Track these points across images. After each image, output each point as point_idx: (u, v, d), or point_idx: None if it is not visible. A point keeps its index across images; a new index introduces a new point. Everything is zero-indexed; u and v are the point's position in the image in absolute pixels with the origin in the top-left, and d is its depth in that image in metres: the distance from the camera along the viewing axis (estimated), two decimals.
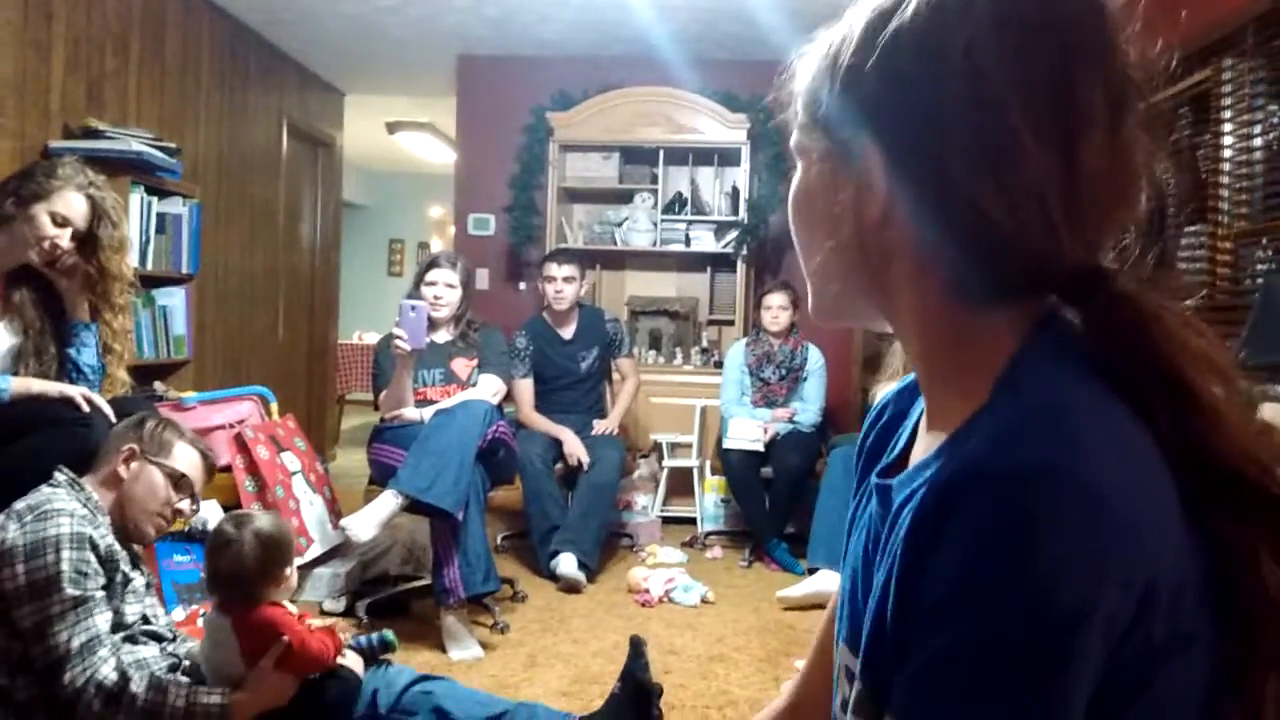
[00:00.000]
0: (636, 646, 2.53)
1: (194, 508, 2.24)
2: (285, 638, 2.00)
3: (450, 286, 3.80)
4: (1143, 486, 0.57)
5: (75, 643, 1.86)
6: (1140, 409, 0.61)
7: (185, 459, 2.20)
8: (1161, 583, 0.56)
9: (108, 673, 1.88)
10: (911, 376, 0.87)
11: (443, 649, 3.25)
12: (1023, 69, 0.62)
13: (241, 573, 2.02)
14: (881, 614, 0.66)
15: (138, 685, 1.88)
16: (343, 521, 3.26)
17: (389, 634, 2.39)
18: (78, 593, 1.88)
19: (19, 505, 1.96)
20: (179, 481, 2.18)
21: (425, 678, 2.26)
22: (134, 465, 2.14)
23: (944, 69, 0.62)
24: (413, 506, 3.28)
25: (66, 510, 1.94)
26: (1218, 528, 0.59)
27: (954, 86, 0.62)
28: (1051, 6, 0.63)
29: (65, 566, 1.88)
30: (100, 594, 1.95)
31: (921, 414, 0.80)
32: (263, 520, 2.10)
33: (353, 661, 2.21)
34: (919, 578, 0.60)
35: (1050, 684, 0.54)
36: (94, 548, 1.96)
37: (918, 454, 0.76)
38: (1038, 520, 0.54)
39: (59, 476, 2.08)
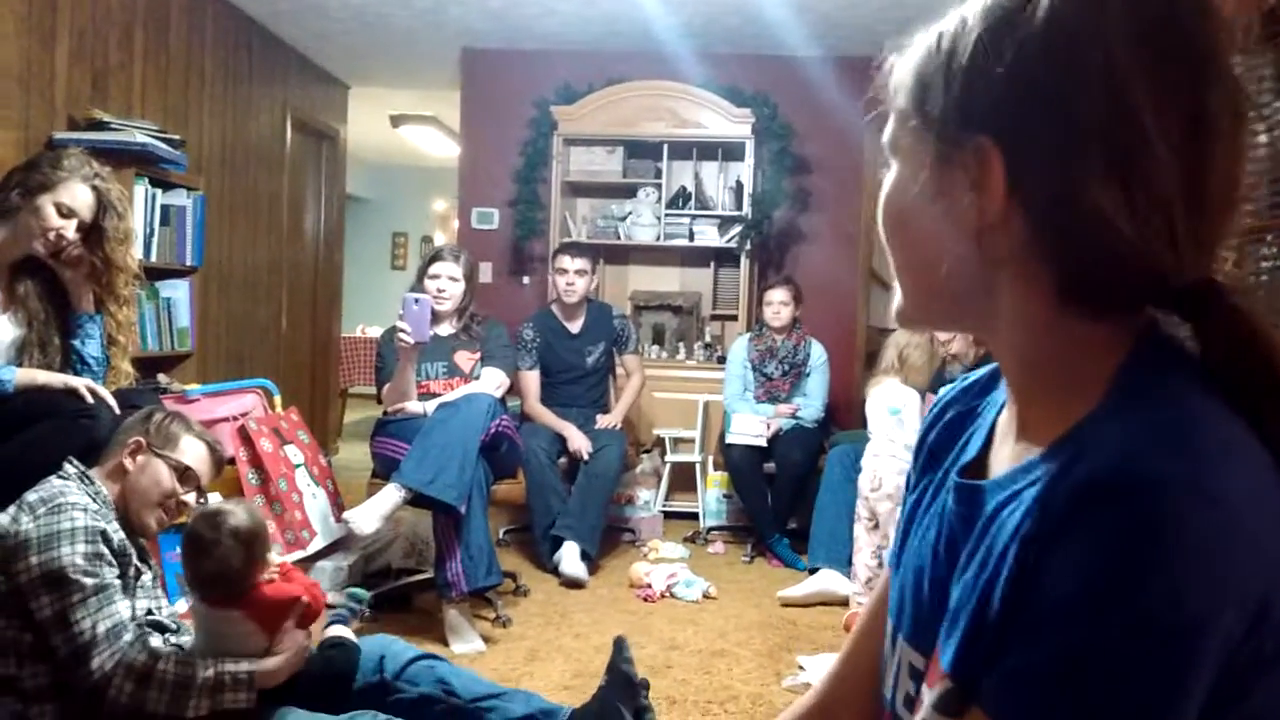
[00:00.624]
0: (620, 643, 2.55)
1: (200, 500, 2.22)
2: (302, 598, 2.05)
3: (454, 280, 3.80)
4: (1266, 500, 0.57)
5: (100, 628, 1.86)
6: (1254, 421, 0.61)
7: (192, 452, 2.19)
8: (1276, 596, 0.56)
9: (135, 654, 1.88)
10: (976, 373, 0.87)
11: (445, 642, 3.26)
12: (1160, 79, 0.61)
13: (228, 573, 2.00)
14: (980, 613, 0.65)
15: (166, 663, 1.89)
16: (346, 514, 3.27)
17: (357, 591, 2.42)
18: (95, 580, 1.88)
19: (30, 497, 1.96)
20: (184, 474, 2.17)
21: (429, 655, 2.28)
22: (140, 458, 2.13)
23: (1080, 76, 0.62)
24: (416, 500, 3.28)
25: (80, 504, 1.94)
26: None
27: (1090, 94, 0.62)
28: (1182, 17, 0.63)
29: (80, 559, 1.87)
30: (118, 582, 1.96)
31: (997, 416, 0.79)
32: (237, 516, 2.04)
33: (342, 630, 2.24)
34: (1033, 577, 0.60)
35: (1162, 697, 0.54)
36: (107, 541, 1.96)
37: (1003, 457, 0.75)
38: (1170, 532, 0.54)
39: (69, 469, 2.07)
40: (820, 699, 0.98)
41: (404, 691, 2.16)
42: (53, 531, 1.88)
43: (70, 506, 1.92)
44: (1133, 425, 0.60)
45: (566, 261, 4.62)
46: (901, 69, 0.73)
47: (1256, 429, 0.61)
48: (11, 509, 1.94)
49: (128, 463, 2.12)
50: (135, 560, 2.09)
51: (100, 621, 1.87)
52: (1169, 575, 0.53)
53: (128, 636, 1.90)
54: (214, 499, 2.31)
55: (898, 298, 0.77)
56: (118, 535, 2.01)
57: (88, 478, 2.08)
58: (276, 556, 2.15)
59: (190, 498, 2.19)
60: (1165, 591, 0.53)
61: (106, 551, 1.94)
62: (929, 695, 0.71)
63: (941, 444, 0.86)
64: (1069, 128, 0.62)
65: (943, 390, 0.90)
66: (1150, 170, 0.61)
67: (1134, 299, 0.66)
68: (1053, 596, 0.57)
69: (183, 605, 2.80)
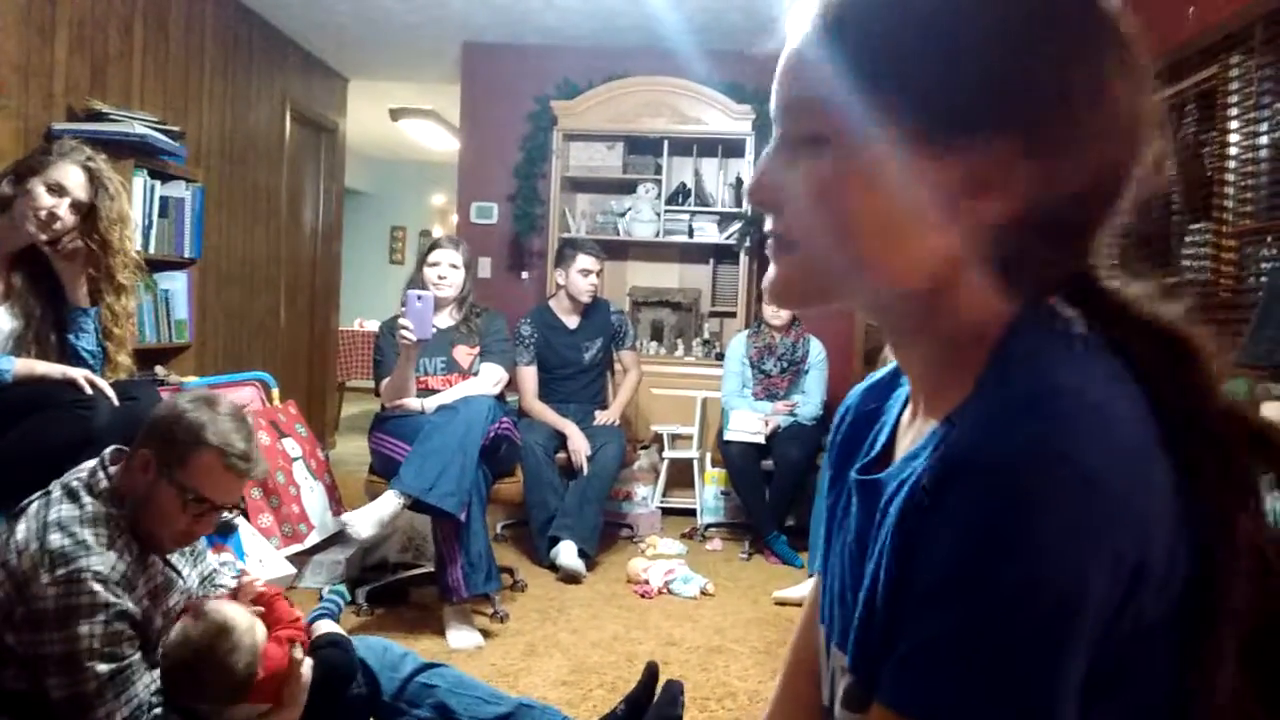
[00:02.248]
0: (652, 672, 2.54)
1: (218, 519, 2.02)
2: (293, 651, 1.95)
3: (454, 267, 3.79)
4: (1134, 465, 0.57)
5: (119, 716, 1.75)
6: (1140, 375, 0.62)
7: (203, 468, 1.90)
8: (1153, 561, 0.56)
9: None
10: (876, 375, 0.87)
11: (442, 636, 3.26)
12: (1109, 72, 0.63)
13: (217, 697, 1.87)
14: (870, 604, 0.66)
15: None
16: (344, 517, 3.26)
17: (338, 587, 2.37)
18: (111, 666, 1.74)
19: (52, 539, 1.76)
20: (196, 501, 1.90)
21: (428, 666, 2.24)
22: (149, 475, 1.89)
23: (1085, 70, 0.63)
24: (415, 505, 3.28)
25: (95, 565, 1.76)
26: (1204, 490, 0.59)
27: (1087, 89, 0.63)
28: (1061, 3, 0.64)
29: (97, 643, 1.72)
30: (137, 657, 1.80)
31: (901, 412, 0.80)
32: (231, 663, 1.84)
33: (331, 626, 2.18)
34: (910, 565, 0.60)
35: (1044, 665, 0.54)
36: (127, 614, 1.79)
37: (903, 448, 0.76)
38: (1029, 503, 0.54)
39: (102, 480, 1.88)
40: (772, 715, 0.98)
41: (404, 713, 2.12)
42: (73, 608, 1.72)
43: (93, 578, 1.74)
44: (990, 402, 0.61)
45: (590, 263, 4.57)
46: (866, 35, 0.65)
47: (1143, 384, 0.62)
48: (32, 546, 1.76)
49: (138, 479, 1.90)
50: (160, 606, 1.93)
51: (120, 709, 1.75)
52: (1035, 543, 0.54)
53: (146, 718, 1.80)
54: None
55: (791, 268, 0.71)
56: (140, 590, 1.85)
57: (101, 518, 1.84)
58: (257, 584, 2.05)
59: (207, 522, 1.97)
60: (1033, 560, 0.53)
61: (127, 625, 1.79)
62: (839, 690, 0.72)
63: (848, 446, 0.86)
64: (1088, 120, 0.63)
65: (847, 397, 0.91)
66: (1082, 160, 0.63)
67: (1053, 284, 0.68)
68: (927, 580, 0.58)
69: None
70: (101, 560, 1.77)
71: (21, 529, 1.81)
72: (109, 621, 1.74)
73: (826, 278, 0.70)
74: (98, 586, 1.73)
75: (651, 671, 2.54)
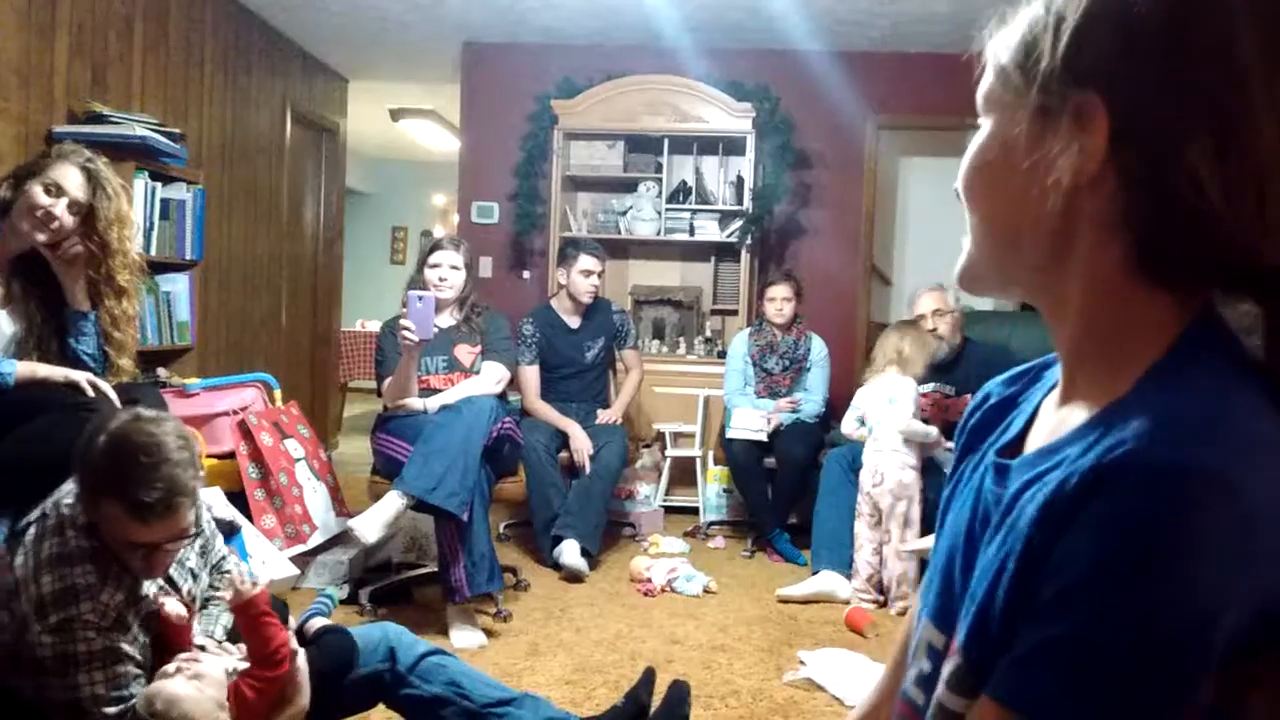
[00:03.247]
0: (649, 676, 2.58)
1: (173, 554, 1.91)
2: (281, 665, 1.93)
3: (455, 268, 3.80)
4: None
5: (101, 690, 1.77)
6: None
7: (113, 519, 1.80)
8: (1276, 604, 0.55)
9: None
10: (1024, 365, 0.86)
11: (446, 636, 3.26)
12: (1273, 54, 0.61)
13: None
14: (993, 592, 0.65)
15: None
16: (350, 522, 3.27)
17: (329, 589, 2.39)
18: (118, 710, 1.77)
19: (45, 581, 1.76)
20: (126, 545, 1.83)
21: (439, 651, 2.27)
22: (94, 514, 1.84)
23: (1198, 41, 0.62)
24: (418, 506, 3.28)
25: (97, 613, 1.77)
26: None
27: (1206, 59, 0.61)
28: None
29: (100, 690, 1.75)
30: (125, 645, 1.82)
31: (1043, 399, 0.79)
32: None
33: (324, 622, 2.22)
34: (1046, 559, 0.59)
35: (1163, 689, 0.53)
36: (127, 658, 1.82)
37: (1039, 435, 0.75)
38: (1189, 520, 0.53)
39: (70, 538, 1.82)
40: (875, 699, 0.97)
41: (417, 687, 2.16)
42: (69, 655, 1.74)
43: (83, 627, 1.75)
44: (1159, 412, 0.59)
45: (592, 263, 4.58)
46: (1007, 30, 0.72)
47: None
48: (20, 568, 1.78)
49: (92, 514, 1.84)
50: (140, 608, 1.91)
51: (100, 684, 1.77)
52: (1185, 560, 0.53)
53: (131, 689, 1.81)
54: (210, 493, 2.23)
55: (966, 255, 0.76)
56: (117, 597, 1.84)
57: (83, 530, 1.83)
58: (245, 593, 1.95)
59: (158, 559, 1.86)
60: (1170, 584, 0.53)
61: (130, 668, 1.81)
62: (945, 670, 0.71)
63: (982, 427, 0.86)
64: (1180, 91, 0.62)
65: (987, 384, 0.90)
66: (1251, 143, 0.61)
67: (1208, 275, 0.65)
68: (1059, 580, 0.57)
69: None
70: (92, 607, 1.77)
71: (20, 563, 1.81)
72: (106, 666, 1.76)
73: (977, 250, 0.75)
74: (92, 634, 1.75)
75: (649, 676, 2.57)
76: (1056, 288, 0.71)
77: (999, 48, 0.72)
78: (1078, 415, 0.68)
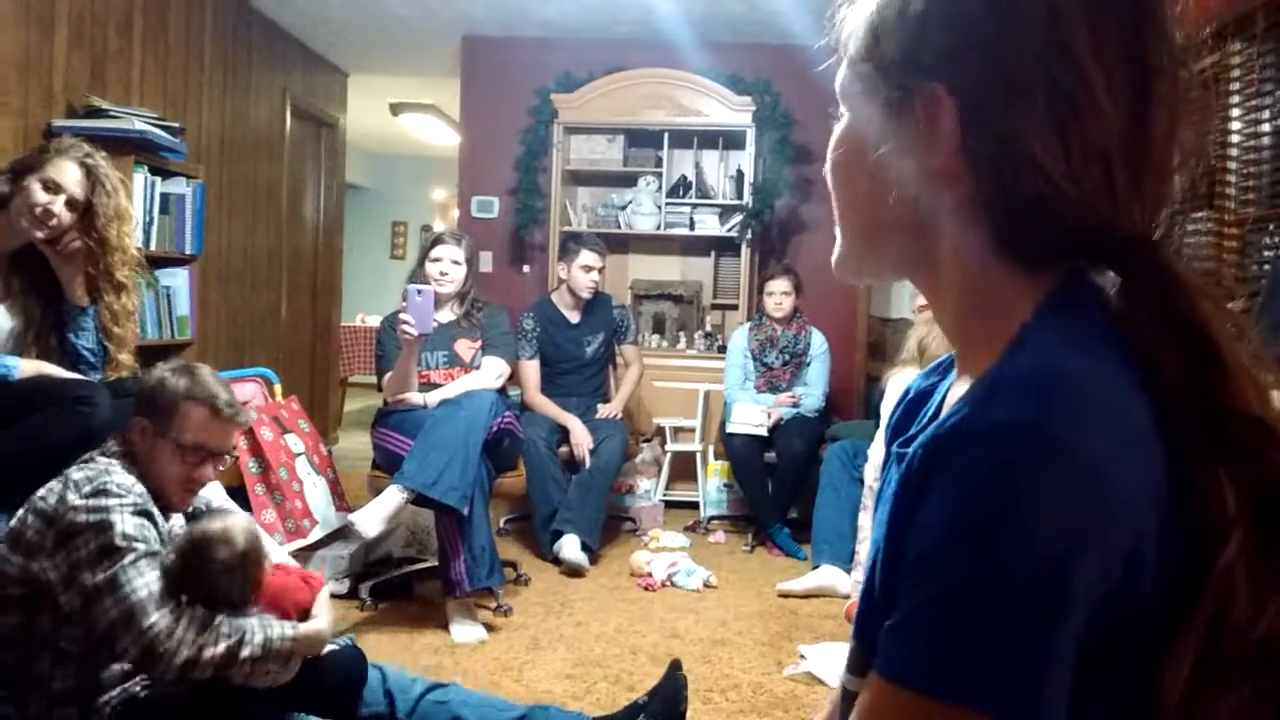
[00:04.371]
0: (675, 671, 2.53)
1: (221, 466, 2.14)
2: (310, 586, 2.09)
3: (456, 263, 3.80)
4: (1127, 456, 0.57)
5: (155, 588, 1.83)
6: (1149, 368, 0.61)
7: (194, 421, 2.04)
8: (1147, 548, 0.56)
9: (191, 613, 1.85)
10: (944, 357, 0.87)
11: (446, 631, 3.26)
12: (1100, 26, 0.62)
13: (230, 598, 1.93)
14: (874, 570, 0.67)
15: (221, 619, 1.87)
16: (350, 517, 3.27)
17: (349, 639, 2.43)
18: (145, 546, 1.85)
19: (76, 475, 1.90)
20: (193, 449, 2.04)
21: (436, 686, 2.25)
22: (146, 441, 2.04)
23: (1022, 24, 0.62)
24: (418, 500, 3.28)
25: (126, 484, 1.91)
26: (1202, 472, 0.59)
27: (1031, 42, 0.62)
28: None
29: (130, 529, 1.85)
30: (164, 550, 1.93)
31: (950, 388, 0.80)
32: (226, 548, 1.92)
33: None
34: (906, 531, 0.61)
35: (1026, 642, 0.54)
36: (153, 520, 1.93)
37: None
38: (1019, 475, 0.54)
39: (112, 446, 2.02)
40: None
41: None
42: (102, 506, 1.85)
43: (116, 487, 1.88)
44: (997, 376, 0.60)
45: (593, 259, 4.57)
46: (854, 16, 0.72)
47: (1150, 374, 0.61)
48: (56, 486, 1.88)
49: (140, 445, 2.03)
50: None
51: (154, 583, 1.83)
52: (1022, 513, 0.54)
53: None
54: (210, 488, 2.27)
55: (839, 247, 0.77)
56: (160, 519, 1.99)
57: (129, 457, 2.01)
58: (272, 559, 2.10)
59: (208, 470, 2.08)
60: (1020, 528, 0.54)
61: (153, 532, 1.91)
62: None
63: (902, 422, 0.88)
64: (1011, 76, 0.63)
65: (893, 378, 0.92)
66: (1090, 122, 0.62)
67: (1068, 251, 0.66)
68: (920, 546, 0.59)
69: None
70: (126, 479, 1.93)
71: (41, 491, 1.91)
72: (139, 514, 1.89)
73: (849, 246, 0.76)
74: (125, 494, 1.89)
75: (675, 666, 2.53)
76: (928, 275, 0.72)
77: (850, 34, 0.72)
78: (960, 393, 0.69)
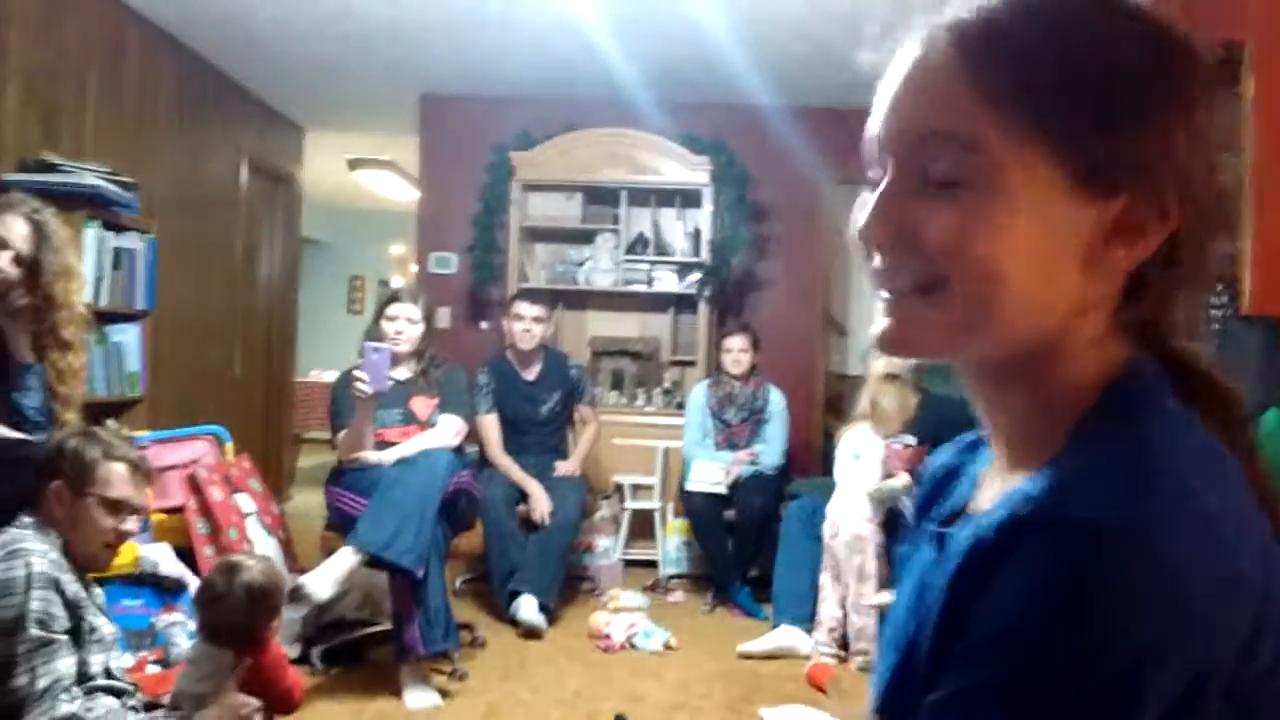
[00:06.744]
0: None
1: (139, 522, 2.22)
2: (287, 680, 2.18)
3: (411, 321, 3.76)
4: (1219, 564, 0.54)
5: (38, 685, 1.83)
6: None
7: (114, 479, 2.10)
8: (1216, 676, 0.54)
9: (66, 713, 1.85)
10: (969, 435, 0.84)
11: (399, 697, 3.18)
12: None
13: (235, 626, 2.10)
14: (913, 647, 0.64)
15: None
16: (300, 580, 3.18)
17: None
18: (42, 634, 1.85)
19: None
20: (115, 506, 2.10)
21: None
22: (66, 501, 2.07)
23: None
24: (372, 561, 3.21)
25: (37, 551, 1.92)
26: None
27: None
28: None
29: (34, 606, 1.85)
30: (65, 638, 1.92)
31: (986, 467, 0.77)
32: (251, 572, 2.14)
33: None
34: (963, 613, 0.58)
35: None
36: (60, 592, 1.93)
37: (983, 504, 0.73)
38: (1100, 577, 0.52)
39: (24, 519, 2.02)
40: None
41: None
42: (7, 579, 1.85)
43: (26, 553, 1.89)
44: (1084, 458, 0.58)
45: (524, 308, 4.58)
46: (995, 59, 0.62)
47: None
48: None
49: (57, 509, 2.06)
50: (89, 616, 2.03)
51: (39, 679, 1.83)
52: (1096, 618, 0.52)
53: (64, 698, 1.85)
54: (158, 549, 2.27)
55: (933, 315, 0.65)
56: (71, 587, 1.97)
57: (44, 527, 2.03)
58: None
59: (132, 523, 2.15)
60: (1090, 633, 0.52)
61: (59, 601, 1.91)
62: None
63: (929, 500, 0.84)
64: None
65: (937, 454, 0.89)
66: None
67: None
68: (978, 630, 0.56)
69: (129, 660, 2.72)
70: (41, 549, 1.94)
71: None
72: (43, 587, 1.89)
73: (973, 321, 0.64)
74: (35, 559, 1.89)
75: None
76: (1030, 356, 0.66)
77: (991, 86, 0.62)
78: (1020, 479, 0.66)
